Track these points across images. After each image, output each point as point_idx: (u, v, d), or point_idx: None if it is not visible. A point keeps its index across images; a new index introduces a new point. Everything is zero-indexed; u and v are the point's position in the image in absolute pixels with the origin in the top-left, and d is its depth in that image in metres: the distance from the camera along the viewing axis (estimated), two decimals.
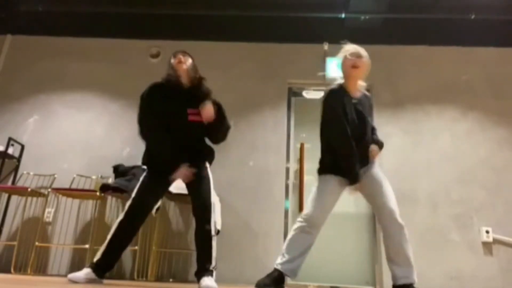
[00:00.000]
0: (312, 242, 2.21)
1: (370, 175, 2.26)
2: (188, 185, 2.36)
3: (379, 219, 2.24)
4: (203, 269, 2.19)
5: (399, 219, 2.16)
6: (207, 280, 2.13)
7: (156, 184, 2.33)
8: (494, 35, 4.17)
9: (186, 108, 2.35)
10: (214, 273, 2.21)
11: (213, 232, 2.24)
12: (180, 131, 2.33)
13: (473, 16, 3.92)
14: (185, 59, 2.43)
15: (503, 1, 3.93)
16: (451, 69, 4.13)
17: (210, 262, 2.20)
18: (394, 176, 3.77)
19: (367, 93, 2.41)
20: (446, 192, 3.70)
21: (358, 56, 2.25)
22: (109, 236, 2.22)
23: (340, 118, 2.15)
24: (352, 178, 2.14)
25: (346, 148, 2.13)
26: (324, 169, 2.27)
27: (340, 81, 2.33)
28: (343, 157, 2.14)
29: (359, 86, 2.33)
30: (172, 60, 2.45)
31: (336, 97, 2.22)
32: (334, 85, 2.30)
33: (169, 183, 2.35)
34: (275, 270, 2.18)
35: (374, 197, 2.23)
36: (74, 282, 2.13)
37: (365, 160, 2.24)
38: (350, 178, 2.15)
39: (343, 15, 4.07)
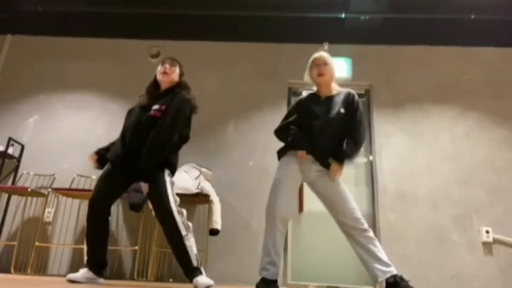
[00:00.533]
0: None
1: (325, 177, 2.22)
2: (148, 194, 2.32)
3: (339, 226, 2.21)
4: (189, 270, 2.16)
5: (362, 225, 2.14)
6: (200, 279, 2.11)
7: (115, 178, 2.33)
8: (494, 35, 4.17)
9: (152, 105, 2.34)
10: (202, 270, 2.18)
11: (184, 232, 2.16)
12: (140, 124, 2.31)
13: (473, 16, 3.92)
14: (171, 70, 2.44)
15: (503, 1, 3.93)
16: (451, 69, 4.13)
17: (190, 261, 2.15)
18: (394, 176, 3.78)
19: (350, 92, 2.37)
20: (446, 192, 3.70)
21: (324, 63, 2.32)
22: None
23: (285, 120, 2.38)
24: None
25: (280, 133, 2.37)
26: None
27: (314, 88, 2.42)
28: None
29: (332, 89, 2.37)
30: (159, 68, 2.47)
31: (300, 102, 2.41)
32: (305, 94, 2.44)
33: (128, 181, 2.34)
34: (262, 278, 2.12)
35: (330, 202, 2.21)
36: (73, 282, 2.14)
37: (323, 158, 2.21)
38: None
39: (343, 15, 4.07)
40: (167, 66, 2.43)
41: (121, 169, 2.30)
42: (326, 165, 2.22)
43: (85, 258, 2.27)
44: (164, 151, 2.25)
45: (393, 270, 2.06)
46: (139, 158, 2.20)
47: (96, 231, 2.27)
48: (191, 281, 2.14)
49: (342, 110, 2.24)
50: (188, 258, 2.15)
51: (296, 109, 2.40)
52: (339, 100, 2.30)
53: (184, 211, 2.29)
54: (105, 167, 2.37)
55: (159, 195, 2.22)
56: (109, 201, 2.33)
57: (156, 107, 2.31)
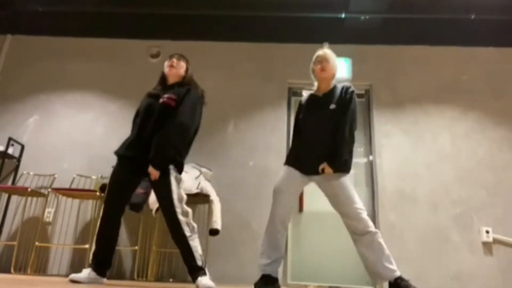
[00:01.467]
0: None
1: (330, 179, 2.21)
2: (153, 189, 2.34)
3: (346, 227, 2.22)
4: (193, 268, 2.16)
5: (369, 228, 2.14)
6: (203, 280, 2.10)
7: (128, 174, 2.33)
8: (494, 35, 4.17)
9: (162, 94, 2.36)
10: (207, 271, 2.18)
11: (188, 233, 2.17)
12: (151, 110, 2.32)
13: (473, 16, 3.92)
14: (178, 64, 2.47)
15: (503, 1, 3.93)
16: (451, 69, 4.13)
17: (195, 260, 2.15)
18: (394, 176, 3.78)
19: (345, 85, 2.39)
20: (446, 192, 3.70)
21: (326, 60, 2.40)
22: (96, 234, 2.26)
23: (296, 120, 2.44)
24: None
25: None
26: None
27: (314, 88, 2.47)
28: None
29: (330, 84, 2.42)
30: (166, 62, 2.51)
31: (300, 102, 2.47)
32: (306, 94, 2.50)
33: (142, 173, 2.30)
34: (263, 275, 2.17)
35: (337, 204, 2.22)
36: (76, 282, 2.13)
37: (320, 155, 2.22)
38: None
39: (343, 15, 4.07)
40: (174, 60, 2.47)
41: (130, 161, 2.28)
42: (319, 173, 2.22)
43: (90, 258, 2.26)
44: (183, 142, 2.28)
45: (398, 272, 2.08)
46: (151, 145, 2.20)
47: (109, 231, 2.27)
48: (194, 281, 2.14)
49: (332, 106, 2.26)
50: (192, 257, 2.16)
51: (298, 111, 2.47)
52: (334, 95, 2.33)
53: (190, 211, 2.27)
54: (115, 166, 2.36)
55: (163, 196, 2.24)
56: (124, 200, 2.34)
57: (167, 95, 2.32)
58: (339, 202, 2.18)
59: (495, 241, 3.52)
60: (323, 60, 2.38)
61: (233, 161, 3.88)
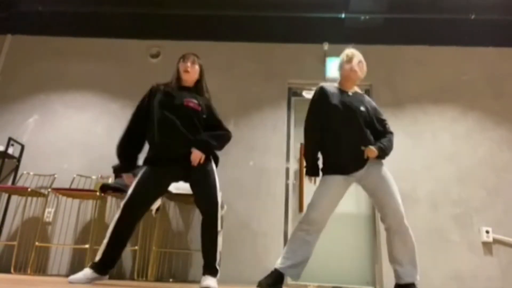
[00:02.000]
0: (314, 244, 2.25)
1: (372, 173, 2.28)
2: (192, 180, 2.28)
3: (383, 218, 2.25)
4: (210, 266, 2.15)
5: (405, 221, 2.19)
6: (208, 280, 2.10)
7: (158, 178, 2.28)
8: (494, 35, 4.17)
9: (183, 98, 2.34)
10: (218, 272, 2.17)
11: (219, 228, 2.17)
12: (175, 115, 2.29)
13: (473, 16, 3.92)
14: (192, 69, 2.42)
15: (503, 1, 3.93)
16: (451, 69, 4.13)
17: (215, 259, 2.15)
18: (394, 176, 3.76)
19: (364, 94, 2.51)
20: (446, 192, 3.70)
21: (358, 61, 2.43)
22: (108, 234, 2.17)
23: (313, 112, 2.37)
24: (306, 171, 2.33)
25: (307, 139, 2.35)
26: (324, 169, 2.34)
27: (336, 83, 2.48)
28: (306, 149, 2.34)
29: (356, 88, 2.48)
30: (181, 66, 2.42)
31: (324, 91, 2.38)
32: (326, 84, 2.45)
33: (172, 177, 2.30)
34: (276, 270, 2.18)
35: (377, 196, 2.26)
36: (75, 283, 2.12)
37: (358, 156, 2.27)
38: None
39: (343, 15, 4.07)
40: (189, 64, 2.41)
41: (169, 163, 2.25)
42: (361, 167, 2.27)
43: (99, 256, 2.14)
44: (221, 147, 2.41)
45: (418, 277, 2.21)
46: (185, 144, 2.23)
47: (125, 234, 2.20)
48: (203, 274, 2.13)
49: (363, 108, 2.34)
50: (215, 254, 2.16)
51: (320, 99, 2.37)
52: (363, 98, 2.43)
53: (225, 206, 2.27)
54: (144, 170, 2.26)
55: (208, 183, 2.23)
56: (149, 204, 2.30)
57: (192, 100, 2.34)
58: (383, 190, 2.24)
59: (495, 241, 3.52)
60: (359, 61, 2.43)
61: (233, 161, 3.88)
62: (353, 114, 2.29)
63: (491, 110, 3.96)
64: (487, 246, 3.53)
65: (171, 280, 3.44)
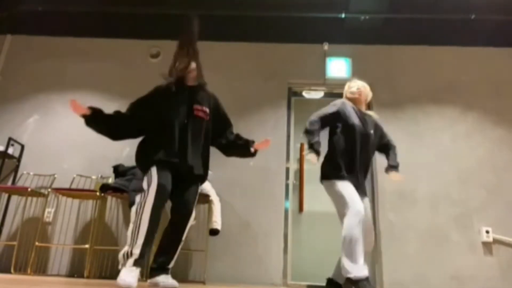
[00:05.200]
0: None
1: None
2: (179, 188, 2.29)
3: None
4: (164, 268, 2.22)
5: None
6: (164, 278, 2.17)
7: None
8: (494, 35, 4.17)
9: (192, 104, 2.36)
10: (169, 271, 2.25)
11: (184, 238, 2.29)
12: (186, 125, 2.30)
13: (473, 16, 3.92)
14: (192, 68, 2.43)
15: (503, 1, 3.93)
16: (451, 69, 4.14)
17: (172, 263, 2.25)
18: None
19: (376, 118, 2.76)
20: (446, 192, 3.70)
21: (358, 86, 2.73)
22: (146, 222, 2.02)
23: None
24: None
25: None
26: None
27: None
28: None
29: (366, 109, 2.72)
30: (181, 66, 2.41)
31: (343, 106, 2.59)
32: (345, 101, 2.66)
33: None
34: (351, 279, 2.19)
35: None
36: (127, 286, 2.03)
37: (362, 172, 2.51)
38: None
39: (343, 15, 4.07)
40: (194, 65, 2.44)
41: (178, 171, 2.26)
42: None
43: (135, 255, 2.05)
44: None
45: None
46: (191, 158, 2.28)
47: (159, 219, 2.18)
48: (152, 277, 2.21)
49: (372, 131, 2.56)
50: (173, 259, 2.26)
51: (340, 114, 2.53)
52: (372, 121, 2.64)
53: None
54: (159, 168, 2.20)
55: (192, 200, 2.31)
56: (168, 196, 2.30)
57: (202, 108, 2.39)
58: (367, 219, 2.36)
59: (495, 241, 3.52)
60: (359, 90, 2.70)
61: (233, 161, 3.85)
62: (366, 142, 2.51)
63: (491, 110, 3.96)
64: (487, 246, 3.53)
65: None
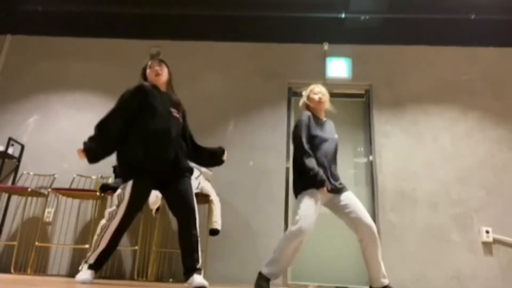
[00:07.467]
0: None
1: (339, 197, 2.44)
2: (170, 187, 2.31)
3: (357, 232, 2.39)
4: (193, 269, 2.18)
5: (376, 233, 2.37)
6: (198, 278, 2.14)
7: (149, 185, 2.31)
8: (494, 35, 4.17)
9: (169, 107, 2.39)
10: (202, 271, 2.23)
11: (198, 233, 2.26)
12: (169, 126, 2.33)
13: (473, 16, 3.92)
14: (163, 71, 2.46)
15: (503, 1, 3.93)
16: (451, 69, 4.14)
17: (199, 262, 2.21)
18: (394, 176, 3.78)
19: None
20: (446, 192, 3.70)
21: (324, 95, 2.66)
22: (106, 240, 2.20)
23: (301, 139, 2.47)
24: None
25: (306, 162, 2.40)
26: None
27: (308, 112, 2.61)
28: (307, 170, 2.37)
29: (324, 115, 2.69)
30: (148, 71, 2.47)
31: (307, 122, 2.54)
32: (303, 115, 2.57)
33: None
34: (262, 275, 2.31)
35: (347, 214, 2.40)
36: (87, 283, 2.12)
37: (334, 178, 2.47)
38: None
39: (343, 15, 4.07)
40: (157, 68, 2.46)
41: (159, 174, 2.28)
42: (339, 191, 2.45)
43: (92, 259, 2.22)
44: None
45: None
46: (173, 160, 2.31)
47: (121, 237, 2.32)
48: (187, 278, 2.16)
49: (336, 136, 2.59)
50: (198, 259, 2.21)
51: (307, 129, 2.51)
52: (331, 126, 2.65)
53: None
54: (137, 178, 2.23)
55: (190, 192, 2.32)
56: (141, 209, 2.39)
57: (175, 110, 2.42)
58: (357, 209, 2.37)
59: (495, 241, 3.53)
60: (323, 95, 2.65)
61: (233, 161, 3.87)
62: (330, 146, 2.52)
63: (491, 110, 3.96)
64: (487, 246, 3.53)
65: (171, 280, 3.44)
